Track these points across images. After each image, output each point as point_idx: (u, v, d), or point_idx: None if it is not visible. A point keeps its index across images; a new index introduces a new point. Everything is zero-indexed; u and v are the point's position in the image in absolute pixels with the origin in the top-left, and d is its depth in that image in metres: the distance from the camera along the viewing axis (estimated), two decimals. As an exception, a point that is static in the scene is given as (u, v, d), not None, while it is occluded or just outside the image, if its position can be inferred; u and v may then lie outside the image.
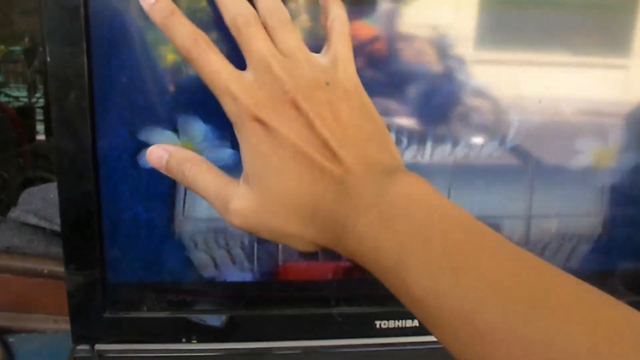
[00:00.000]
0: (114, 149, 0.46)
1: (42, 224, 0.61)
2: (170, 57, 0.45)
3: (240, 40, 0.30)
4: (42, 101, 1.48)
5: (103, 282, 0.48)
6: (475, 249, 0.25)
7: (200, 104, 0.46)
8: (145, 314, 0.50)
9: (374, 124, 0.30)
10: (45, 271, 0.59)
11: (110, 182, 0.46)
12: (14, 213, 0.62)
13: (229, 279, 0.51)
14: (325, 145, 0.27)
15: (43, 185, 0.64)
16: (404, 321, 0.52)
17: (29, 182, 0.76)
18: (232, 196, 0.29)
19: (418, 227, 0.25)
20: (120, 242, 0.48)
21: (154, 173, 0.47)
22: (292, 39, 0.30)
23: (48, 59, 0.44)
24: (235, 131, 0.29)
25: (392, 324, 0.52)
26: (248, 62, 0.30)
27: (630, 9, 0.49)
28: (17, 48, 1.55)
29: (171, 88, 0.46)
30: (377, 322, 0.52)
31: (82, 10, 0.42)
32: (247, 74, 0.30)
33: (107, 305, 0.49)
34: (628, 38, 0.50)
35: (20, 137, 0.87)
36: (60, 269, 0.61)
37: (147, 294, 0.50)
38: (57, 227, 0.61)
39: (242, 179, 0.30)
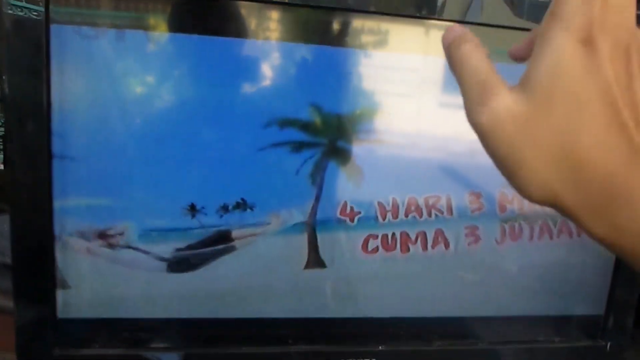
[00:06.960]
0: (70, 182, 0.45)
1: (-5, 256, 0.59)
2: (136, 90, 0.46)
3: None
4: (2, 130, 1.45)
5: (53, 318, 0.47)
6: None
7: (165, 135, 0.46)
8: (97, 351, 0.48)
9: None
10: (-5, 305, 0.57)
11: (65, 216, 0.46)
12: (-34, 245, 0.60)
13: (186, 316, 0.50)
14: (637, 107, 0.24)
15: (-3, 217, 0.62)
16: (361, 360, 0.52)
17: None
18: (500, 92, 0.26)
19: None
20: (72, 276, 0.47)
21: (110, 207, 0.47)
22: None
23: (7, 90, 0.43)
24: (543, 45, 0.25)
25: (349, 363, 0.52)
26: None
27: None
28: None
29: (134, 120, 0.46)
30: (335, 361, 0.52)
31: (43, 42, 0.42)
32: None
33: (56, 342, 0.47)
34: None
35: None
36: (9, 303, 0.59)
37: (99, 330, 0.49)
38: (9, 260, 0.59)
39: (519, 86, 0.26)
